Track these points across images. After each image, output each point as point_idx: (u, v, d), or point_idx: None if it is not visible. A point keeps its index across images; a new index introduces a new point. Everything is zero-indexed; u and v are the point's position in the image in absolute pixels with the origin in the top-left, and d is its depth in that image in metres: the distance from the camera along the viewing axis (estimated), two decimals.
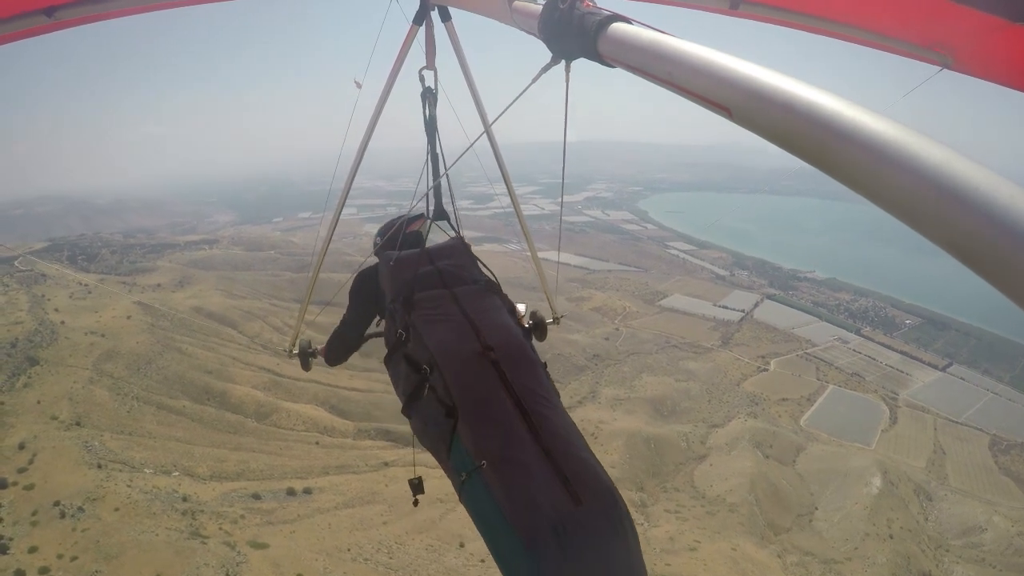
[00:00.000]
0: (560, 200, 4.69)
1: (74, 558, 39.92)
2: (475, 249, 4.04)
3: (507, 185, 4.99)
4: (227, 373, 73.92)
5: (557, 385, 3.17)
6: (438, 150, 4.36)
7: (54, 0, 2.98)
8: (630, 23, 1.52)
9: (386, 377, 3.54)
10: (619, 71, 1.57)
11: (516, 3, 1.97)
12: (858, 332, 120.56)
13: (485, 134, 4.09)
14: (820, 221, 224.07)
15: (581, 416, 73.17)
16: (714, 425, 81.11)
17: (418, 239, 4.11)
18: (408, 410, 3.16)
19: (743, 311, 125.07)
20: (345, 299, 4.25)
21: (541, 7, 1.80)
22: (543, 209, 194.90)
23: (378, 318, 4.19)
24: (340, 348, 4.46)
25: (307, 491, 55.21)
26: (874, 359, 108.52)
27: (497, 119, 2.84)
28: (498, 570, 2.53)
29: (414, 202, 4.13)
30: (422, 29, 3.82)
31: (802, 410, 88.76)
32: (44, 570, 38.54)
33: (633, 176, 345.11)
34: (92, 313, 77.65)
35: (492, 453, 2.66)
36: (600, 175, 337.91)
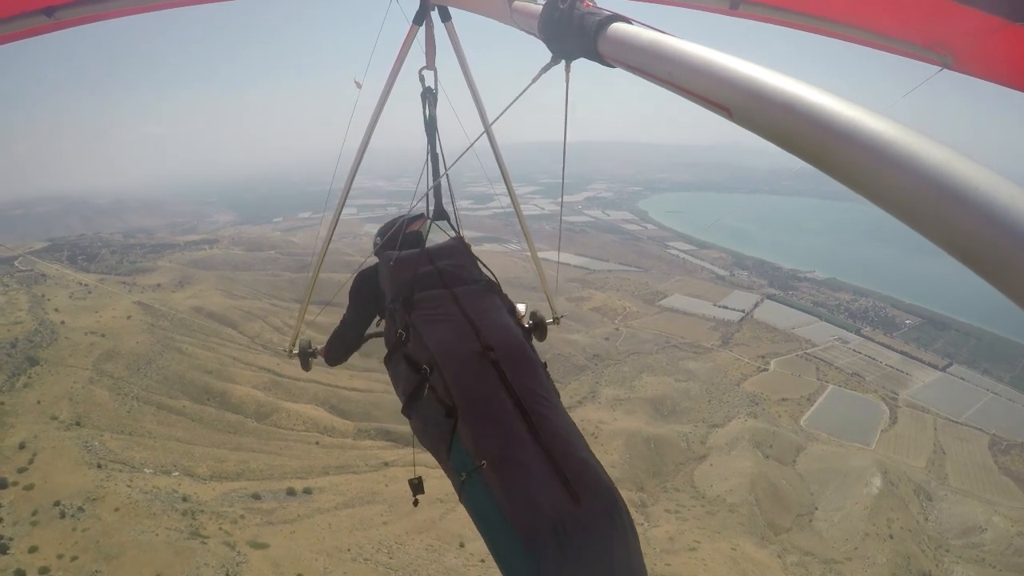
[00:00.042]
0: (560, 200, 4.69)
1: (74, 558, 39.92)
2: (475, 249, 4.04)
3: (507, 185, 4.99)
4: (227, 373, 73.92)
5: (557, 385, 3.17)
6: (438, 150, 4.35)
7: (54, 0, 2.98)
8: (630, 23, 1.52)
9: (386, 377, 3.54)
10: (619, 71, 1.57)
11: (516, 3, 1.97)
12: (858, 332, 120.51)
13: (485, 134, 4.09)
14: (820, 221, 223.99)
15: (581, 416, 73.17)
16: (714, 425, 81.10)
17: (418, 239, 4.11)
18: (408, 410, 3.16)
19: (743, 311, 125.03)
20: (345, 299, 4.25)
21: (541, 7, 1.80)
22: (543, 209, 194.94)
23: (378, 318, 4.19)
24: (340, 348, 4.46)
25: (307, 491, 55.20)
26: (874, 359, 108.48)
27: (497, 119, 2.84)
28: (498, 570, 2.53)
29: (414, 202, 4.13)
30: (422, 29, 3.82)
31: (802, 410, 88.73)
32: (44, 570, 38.53)
33: (633, 176, 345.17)
34: (92, 313, 77.65)
35: (492, 453, 2.65)
36: (600, 175, 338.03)
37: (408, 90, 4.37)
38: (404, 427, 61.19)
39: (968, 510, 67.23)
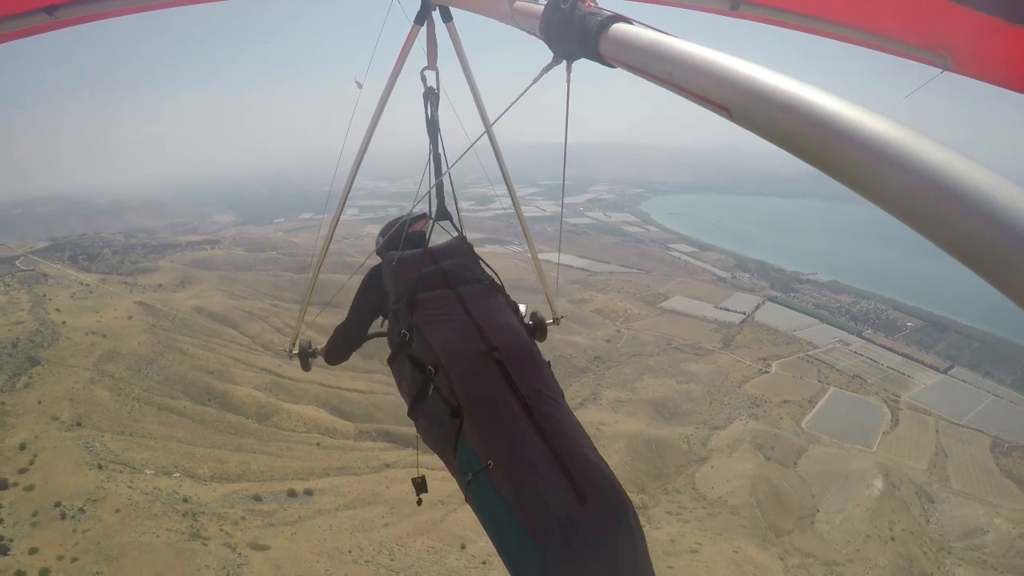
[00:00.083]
0: (560, 202, 4.70)
1: (75, 559, 39.91)
2: (476, 250, 4.04)
3: (508, 186, 4.99)
4: (228, 374, 73.94)
5: None
6: (440, 150, 4.35)
7: None
8: (631, 23, 1.53)
9: (387, 378, 3.56)
10: (619, 71, 1.58)
11: (517, 3, 1.97)
12: (859, 334, 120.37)
13: (486, 134, 4.09)
14: (822, 223, 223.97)
15: (582, 418, 71.53)
16: (715, 427, 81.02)
17: (420, 239, 4.11)
18: (413, 411, 3.16)
19: (744, 313, 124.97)
20: (346, 300, 4.25)
21: (542, 8, 1.80)
22: (545, 211, 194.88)
23: (381, 318, 4.19)
24: (342, 347, 4.46)
25: (308, 492, 55.20)
26: (875, 361, 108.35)
27: (498, 119, 2.85)
28: (501, 570, 2.53)
29: (416, 202, 4.13)
30: (423, 29, 3.82)
31: (803, 412, 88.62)
32: (45, 571, 38.53)
33: (635, 178, 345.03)
34: (93, 313, 77.71)
35: (499, 453, 2.66)
36: (602, 177, 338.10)
37: (409, 90, 4.37)
38: (405, 428, 61.34)
39: (970, 512, 67.09)
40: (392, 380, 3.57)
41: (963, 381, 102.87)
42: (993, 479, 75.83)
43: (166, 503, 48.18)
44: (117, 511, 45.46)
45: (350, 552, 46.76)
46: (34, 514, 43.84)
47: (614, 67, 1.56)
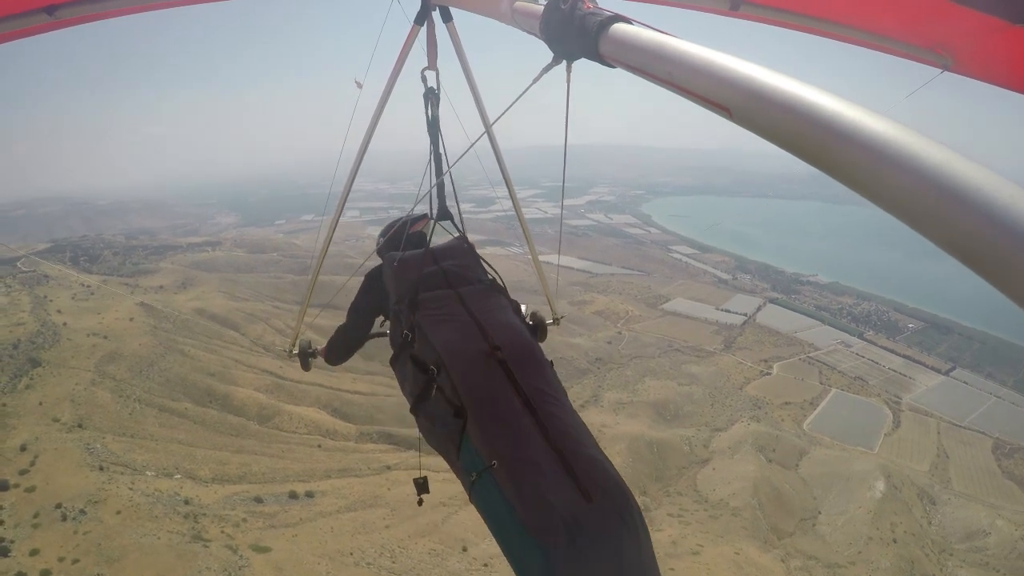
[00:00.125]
0: (560, 202, 4.70)
1: (75, 561, 39.88)
2: (477, 251, 4.04)
3: (508, 187, 4.99)
4: (229, 375, 73.97)
5: None
6: (441, 150, 4.36)
7: None
8: (631, 23, 1.53)
9: (388, 380, 3.56)
10: (619, 72, 1.58)
11: (517, 3, 1.97)
12: (861, 336, 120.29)
13: (486, 134, 4.09)
14: (823, 225, 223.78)
15: (584, 420, 72.79)
16: (717, 429, 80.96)
17: (421, 239, 4.12)
18: (416, 411, 3.16)
19: (746, 315, 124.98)
20: (346, 301, 4.25)
21: (542, 8, 1.80)
22: (546, 213, 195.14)
23: (382, 318, 4.19)
24: (342, 347, 4.47)
25: (309, 494, 55.15)
26: (877, 363, 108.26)
27: (498, 119, 2.85)
28: (502, 572, 2.52)
29: (417, 202, 4.13)
30: (423, 29, 3.82)
31: (805, 414, 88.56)
32: (45, 573, 38.51)
33: (636, 180, 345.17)
34: (94, 315, 77.80)
35: (502, 453, 2.65)
36: (602, 179, 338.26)
37: (409, 91, 4.37)
38: (406, 430, 61.38)
39: (972, 514, 66.98)
40: (393, 382, 3.58)
41: (965, 383, 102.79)
42: (995, 481, 75.71)
43: (167, 505, 48.16)
44: (118, 513, 45.43)
45: (351, 554, 46.71)
46: (35, 516, 43.84)
47: (614, 67, 1.55)
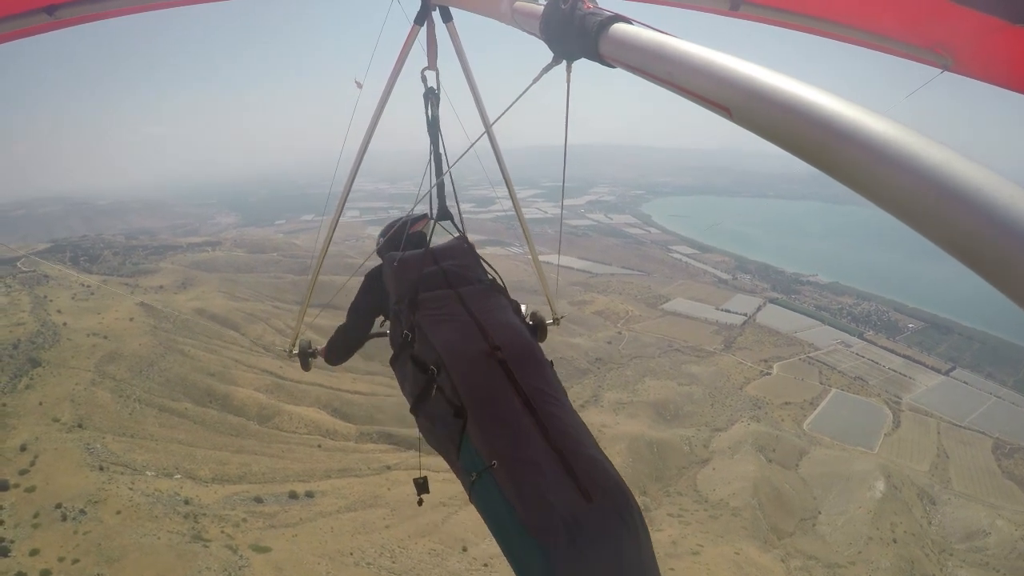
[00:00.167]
0: (560, 202, 4.70)
1: (75, 561, 39.88)
2: (477, 251, 4.04)
3: (508, 187, 5.00)
4: (229, 375, 73.97)
5: None
6: (440, 150, 4.36)
7: None
8: (631, 23, 1.53)
9: (388, 380, 3.56)
10: (620, 72, 1.58)
11: (517, 3, 1.97)
12: (861, 336, 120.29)
13: (486, 134, 4.09)
14: (823, 225, 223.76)
15: (583, 420, 72.82)
16: (717, 429, 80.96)
17: (421, 239, 4.12)
18: (416, 410, 3.16)
19: (746, 315, 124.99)
20: (346, 301, 4.25)
21: (542, 8, 1.80)
22: (546, 213, 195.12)
23: (382, 319, 4.19)
24: (342, 348, 4.46)
25: (309, 494, 55.15)
26: (877, 363, 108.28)
27: (498, 119, 2.85)
28: (502, 573, 2.52)
29: (417, 202, 4.13)
30: (423, 29, 3.82)
31: (805, 414, 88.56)
32: (45, 573, 38.51)
33: (636, 180, 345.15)
34: (94, 314, 77.80)
35: (502, 453, 2.65)
36: (603, 179, 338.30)
37: (408, 91, 4.37)
38: (406, 430, 61.37)
39: (972, 514, 66.99)
40: (393, 382, 3.58)
41: (965, 383, 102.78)
42: (995, 481, 75.71)
43: (167, 505, 48.16)
44: (118, 513, 45.43)
45: (351, 554, 46.71)
46: (35, 516, 43.84)
47: (614, 67, 1.55)
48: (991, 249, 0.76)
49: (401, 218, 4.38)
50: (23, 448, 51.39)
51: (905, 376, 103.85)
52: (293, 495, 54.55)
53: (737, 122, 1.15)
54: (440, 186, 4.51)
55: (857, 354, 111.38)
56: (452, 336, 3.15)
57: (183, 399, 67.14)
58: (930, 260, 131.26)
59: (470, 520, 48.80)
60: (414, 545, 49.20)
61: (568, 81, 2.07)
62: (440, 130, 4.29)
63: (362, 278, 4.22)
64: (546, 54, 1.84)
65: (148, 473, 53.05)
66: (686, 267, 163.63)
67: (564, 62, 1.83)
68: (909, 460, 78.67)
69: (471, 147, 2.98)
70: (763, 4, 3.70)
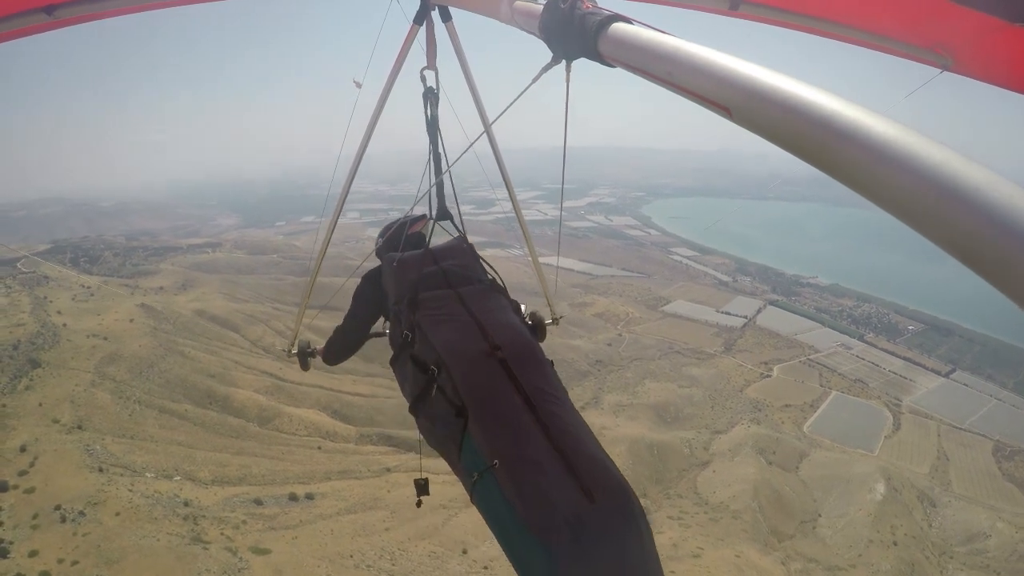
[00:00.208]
0: (560, 203, 4.70)
1: (75, 562, 39.90)
2: (477, 251, 4.04)
3: (508, 188, 5.00)
4: (229, 377, 73.98)
5: None
6: (440, 150, 4.36)
7: None
8: (630, 23, 1.52)
9: (388, 382, 3.56)
10: (620, 72, 1.58)
11: (517, 3, 1.97)
12: (861, 338, 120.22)
13: (485, 134, 4.09)
14: (823, 226, 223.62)
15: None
16: (717, 431, 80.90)
17: (421, 240, 4.12)
18: (416, 411, 3.15)
19: (746, 317, 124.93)
20: (345, 302, 4.24)
21: (542, 7, 1.80)
22: (546, 214, 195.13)
23: (382, 319, 4.19)
24: (341, 348, 4.45)
25: (309, 496, 55.14)
26: (877, 365, 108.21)
27: (498, 119, 2.85)
28: (503, 573, 2.51)
29: (416, 202, 4.13)
30: (423, 29, 3.82)
31: (805, 416, 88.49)
32: (45, 574, 38.54)
33: (636, 181, 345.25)
34: (94, 316, 77.84)
35: (504, 452, 2.64)
36: (603, 180, 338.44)
37: (408, 91, 4.36)
38: (407, 432, 61.32)
39: (972, 516, 66.93)
40: (393, 384, 3.58)
41: (965, 385, 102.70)
42: (995, 483, 75.62)
43: (167, 506, 48.16)
44: (117, 514, 45.45)
45: (351, 556, 46.70)
46: (34, 517, 43.86)
47: (614, 67, 1.55)
48: (991, 249, 0.76)
49: (400, 219, 4.37)
50: (23, 449, 51.42)
51: (905, 378, 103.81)
52: (293, 497, 54.55)
53: (737, 122, 1.15)
54: (439, 186, 4.51)
55: (857, 356, 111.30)
56: (452, 336, 3.14)
57: (183, 400, 67.16)
58: (930, 262, 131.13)
59: (470, 523, 48.78)
60: (414, 547, 49.16)
61: (568, 81, 2.07)
62: (439, 130, 4.30)
63: (360, 278, 4.22)
64: (545, 54, 1.84)
65: (148, 475, 53.06)
66: (686, 269, 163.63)
67: (563, 62, 1.83)
68: (909, 462, 78.60)
69: (470, 147, 2.98)
70: (763, 4, 3.70)
